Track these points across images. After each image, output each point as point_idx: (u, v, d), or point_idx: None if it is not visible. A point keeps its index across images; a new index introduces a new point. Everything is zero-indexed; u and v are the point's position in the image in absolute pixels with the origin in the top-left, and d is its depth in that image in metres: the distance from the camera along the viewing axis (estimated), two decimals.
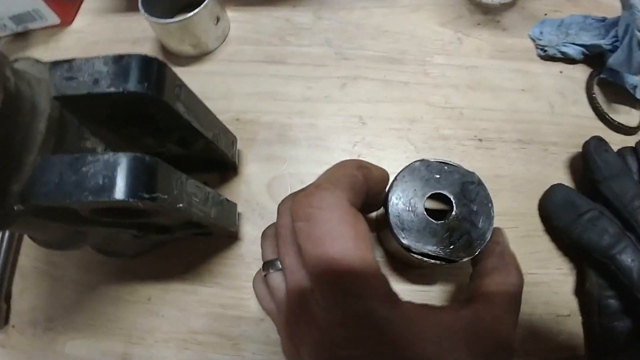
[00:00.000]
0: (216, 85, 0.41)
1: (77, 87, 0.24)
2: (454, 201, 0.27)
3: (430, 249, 0.27)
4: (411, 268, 0.35)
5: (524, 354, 0.33)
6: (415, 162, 0.29)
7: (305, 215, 0.19)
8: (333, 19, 0.44)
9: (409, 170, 0.28)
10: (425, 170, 0.28)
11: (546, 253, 0.36)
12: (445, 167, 0.28)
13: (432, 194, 0.28)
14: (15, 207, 0.22)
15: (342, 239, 0.18)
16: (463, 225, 0.27)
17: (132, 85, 0.24)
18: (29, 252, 0.40)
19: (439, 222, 0.27)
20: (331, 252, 0.18)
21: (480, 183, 0.28)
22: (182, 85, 0.28)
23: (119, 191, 0.21)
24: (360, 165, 0.22)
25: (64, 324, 0.37)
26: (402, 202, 0.28)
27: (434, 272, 0.35)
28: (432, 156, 0.29)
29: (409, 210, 0.28)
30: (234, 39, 0.44)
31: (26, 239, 0.40)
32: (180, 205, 0.25)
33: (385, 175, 0.25)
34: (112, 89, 0.24)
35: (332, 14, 0.44)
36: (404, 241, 0.27)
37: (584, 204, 0.34)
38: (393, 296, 0.19)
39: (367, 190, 0.22)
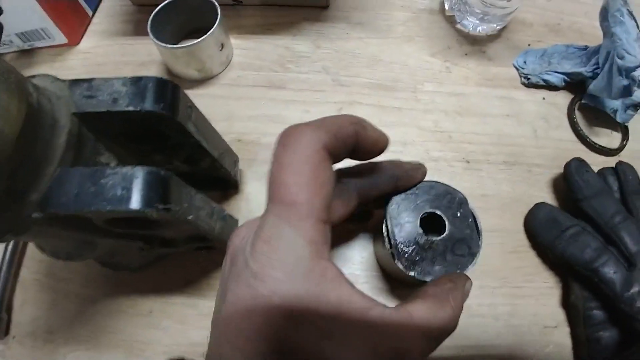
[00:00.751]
0: (219, 108, 0.43)
1: (96, 105, 0.26)
2: (447, 222, 0.29)
3: (418, 263, 0.28)
4: (407, 287, 0.37)
5: None
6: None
7: (283, 142, 0.21)
8: (330, 48, 0.47)
9: (401, 195, 0.30)
10: (424, 190, 0.30)
11: (532, 268, 0.38)
12: (444, 190, 0.30)
13: (428, 214, 0.29)
14: (32, 215, 0.23)
15: (299, 173, 0.20)
16: (453, 246, 0.28)
17: (149, 105, 0.26)
18: (31, 265, 0.40)
19: (431, 238, 0.29)
20: (285, 179, 0.20)
21: (473, 216, 0.29)
22: (192, 106, 0.30)
23: (136, 201, 0.23)
24: (356, 121, 0.23)
25: (65, 336, 0.37)
26: (397, 216, 0.29)
27: None
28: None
29: (403, 224, 0.29)
30: (237, 64, 0.46)
31: (28, 252, 0.40)
32: (190, 217, 0.27)
33: (382, 139, 0.25)
34: (131, 108, 0.26)
35: (330, 44, 0.47)
36: (392, 251, 0.29)
37: (566, 221, 0.36)
38: (318, 243, 0.20)
39: (355, 146, 0.23)
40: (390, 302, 0.36)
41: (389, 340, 0.20)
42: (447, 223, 0.29)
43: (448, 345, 0.35)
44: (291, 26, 0.48)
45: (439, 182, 0.30)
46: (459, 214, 0.29)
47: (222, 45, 0.43)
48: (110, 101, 0.26)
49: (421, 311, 0.22)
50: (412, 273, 0.28)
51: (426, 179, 0.30)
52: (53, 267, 0.40)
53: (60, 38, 0.47)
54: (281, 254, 0.19)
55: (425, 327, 0.21)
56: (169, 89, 0.27)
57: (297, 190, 0.20)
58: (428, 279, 0.28)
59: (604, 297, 0.34)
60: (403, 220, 0.29)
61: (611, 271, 0.33)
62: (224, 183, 0.39)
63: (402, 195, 0.30)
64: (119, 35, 0.49)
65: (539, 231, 0.37)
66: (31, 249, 0.41)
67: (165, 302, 0.37)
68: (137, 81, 0.27)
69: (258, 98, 0.44)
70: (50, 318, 0.38)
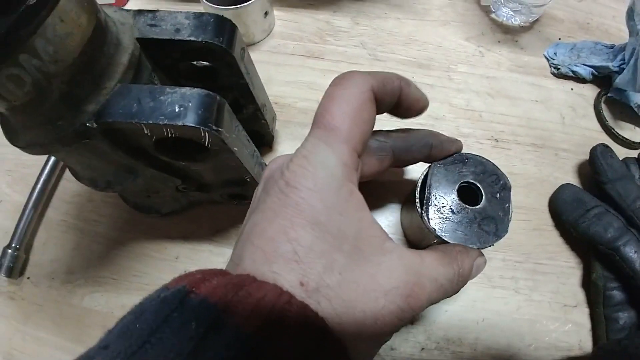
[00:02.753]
0: (258, 72, 0.44)
1: (159, 33, 0.27)
2: (484, 196, 0.29)
3: (442, 221, 0.28)
4: None
5: (533, 341, 0.35)
6: (455, 153, 0.31)
7: (335, 81, 0.23)
8: (369, 25, 0.48)
9: (449, 159, 0.30)
10: (474, 163, 0.30)
11: (555, 246, 0.38)
12: (492, 170, 0.30)
13: (468, 185, 0.30)
14: (86, 124, 0.24)
15: (346, 105, 0.22)
16: (482, 220, 0.29)
17: (209, 36, 0.27)
18: (59, 206, 0.41)
19: (463, 205, 0.29)
20: (332, 108, 0.22)
21: (507, 188, 0.30)
22: (245, 49, 0.31)
23: (192, 118, 0.24)
24: (402, 78, 0.25)
25: (85, 277, 0.38)
26: (439, 175, 0.30)
27: None
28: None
29: (442, 183, 0.29)
30: (278, 34, 0.48)
31: (57, 193, 0.41)
32: (236, 149, 0.28)
33: (423, 100, 0.27)
34: (192, 38, 0.27)
35: (368, 21, 0.48)
36: (422, 203, 0.29)
37: (591, 201, 0.37)
38: (350, 167, 0.21)
39: (398, 101, 0.25)
40: None
41: (400, 270, 0.21)
42: (484, 197, 0.29)
43: (469, 314, 0.35)
44: (332, 3, 0.49)
45: (490, 161, 0.31)
46: (498, 196, 0.29)
47: (266, 13, 0.45)
48: (173, 30, 0.28)
49: (430, 259, 0.23)
50: (433, 226, 0.28)
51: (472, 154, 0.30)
52: (82, 208, 0.41)
53: None
54: (315, 168, 0.20)
55: (434, 272, 0.22)
56: (228, 26, 0.29)
57: (341, 118, 0.21)
58: (445, 237, 0.27)
59: (624, 277, 0.34)
60: (443, 180, 0.29)
61: (632, 250, 0.34)
62: (260, 138, 0.40)
63: (451, 160, 0.30)
64: None
65: (565, 209, 0.38)
66: (61, 189, 0.42)
67: (193, 249, 0.38)
68: (199, 16, 0.28)
69: (296, 66, 0.45)
70: (73, 258, 0.39)
